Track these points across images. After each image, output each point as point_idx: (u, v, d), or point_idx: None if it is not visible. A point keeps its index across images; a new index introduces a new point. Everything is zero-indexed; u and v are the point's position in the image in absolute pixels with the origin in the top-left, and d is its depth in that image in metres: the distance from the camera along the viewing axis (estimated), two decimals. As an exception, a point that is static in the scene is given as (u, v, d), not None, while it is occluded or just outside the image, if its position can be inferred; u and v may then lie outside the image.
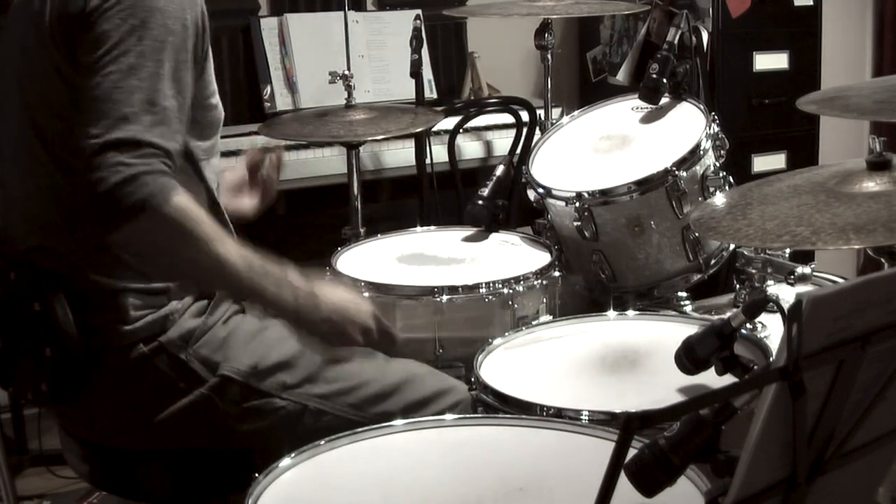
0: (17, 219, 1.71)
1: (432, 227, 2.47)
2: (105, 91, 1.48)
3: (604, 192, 2.15)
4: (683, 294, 2.25)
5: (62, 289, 1.62)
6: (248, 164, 2.09)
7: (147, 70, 1.51)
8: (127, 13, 1.52)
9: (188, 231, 1.49)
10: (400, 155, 3.22)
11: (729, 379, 1.42)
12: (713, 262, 2.27)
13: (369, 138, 2.65)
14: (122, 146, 1.45)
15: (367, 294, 1.98)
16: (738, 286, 2.20)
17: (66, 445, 1.82)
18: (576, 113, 2.53)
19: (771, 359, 1.58)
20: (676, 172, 2.13)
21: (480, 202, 2.34)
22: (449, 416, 1.53)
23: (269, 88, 3.25)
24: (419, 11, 3.25)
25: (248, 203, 2.07)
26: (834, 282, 2.06)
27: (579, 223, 2.15)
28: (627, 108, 2.44)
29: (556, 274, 2.09)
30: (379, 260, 2.23)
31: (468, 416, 1.55)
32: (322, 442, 1.39)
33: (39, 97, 1.63)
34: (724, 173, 2.21)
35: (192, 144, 1.67)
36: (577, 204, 2.15)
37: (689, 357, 1.44)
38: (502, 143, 3.34)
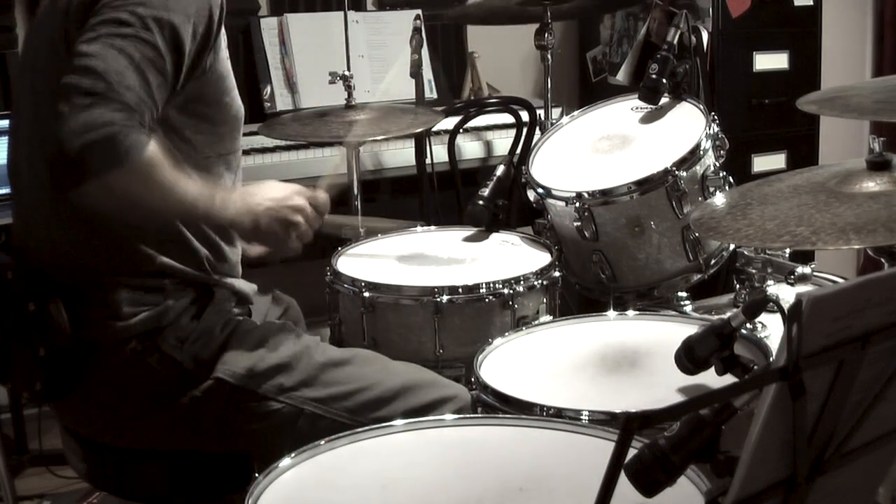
0: (28, 218, 1.72)
1: (432, 227, 2.47)
2: (88, 55, 1.48)
3: (604, 192, 2.15)
4: (683, 294, 2.25)
5: (57, 287, 1.62)
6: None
7: (135, 48, 1.51)
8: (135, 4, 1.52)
9: (155, 182, 1.51)
10: (400, 155, 3.22)
11: (729, 379, 1.42)
12: (713, 262, 2.27)
13: (369, 138, 2.64)
14: (95, 98, 1.45)
15: (366, 294, 1.99)
16: (738, 286, 2.21)
17: (66, 444, 1.83)
18: (576, 113, 2.53)
19: (771, 359, 1.58)
20: (676, 172, 2.13)
21: (480, 202, 2.34)
22: (449, 416, 1.53)
23: (269, 88, 3.25)
24: (419, 11, 3.25)
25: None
26: (834, 282, 2.06)
27: (579, 223, 2.15)
28: (627, 108, 2.44)
29: (556, 274, 2.09)
30: (379, 260, 2.23)
31: (468, 416, 1.55)
32: (322, 442, 1.39)
33: (49, 90, 1.62)
34: (724, 173, 2.21)
35: (199, 139, 1.68)
36: (577, 204, 2.15)
37: (689, 357, 1.44)
38: (502, 143, 3.34)
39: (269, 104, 3.24)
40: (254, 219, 1.65)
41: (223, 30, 1.68)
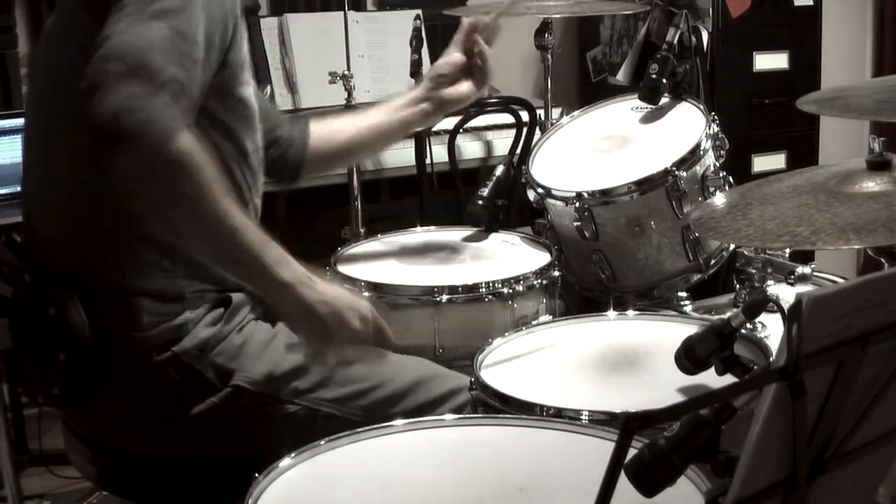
0: (39, 219, 1.71)
1: (432, 227, 2.47)
2: (123, 29, 1.41)
3: (604, 192, 2.15)
4: (683, 294, 2.25)
5: (77, 292, 1.62)
6: (463, 46, 2.04)
7: (176, 17, 1.45)
8: None
9: (189, 175, 1.39)
10: (400, 155, 3.22)
11: (729, 379, 1.42)
12: (713, 262, 2.26)
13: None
14: (134, 69, 1.37)
15: (366, 294, 1.99)
16: (738, 286, 2.20)
17: (70, 446, 1.82)
18: (576, 113, 2.53)
19: (771, 359, 1.58)
20: (676, 172, 2.13)
21: (480, 202, 2.34)
22: (449, 416, 1.53)
23: (269, 88, 3.25)
24: (419, 11, 3.25)
25: (466, 88, 2.05)
26: (834, 282, 2.06)
27: (579, 223, 2.15)
28: (627, 108, 2.44)
29: (556, 274, 2.09)
30: (379, 260, 2.23)
31: (468, 416, 1.55)
32: (322, 442, 1.39)
33: (68, 88, 1.57)
34: (724, 173, 2.21)
35: (224, 146, 1.65)
36: (577, 204, 2.15)
37: (689, 357, 1.44)
38: (502, 143, 3.34)
39: (269, 104, 3.24)
40: (310, 297, 1.50)
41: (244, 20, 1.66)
